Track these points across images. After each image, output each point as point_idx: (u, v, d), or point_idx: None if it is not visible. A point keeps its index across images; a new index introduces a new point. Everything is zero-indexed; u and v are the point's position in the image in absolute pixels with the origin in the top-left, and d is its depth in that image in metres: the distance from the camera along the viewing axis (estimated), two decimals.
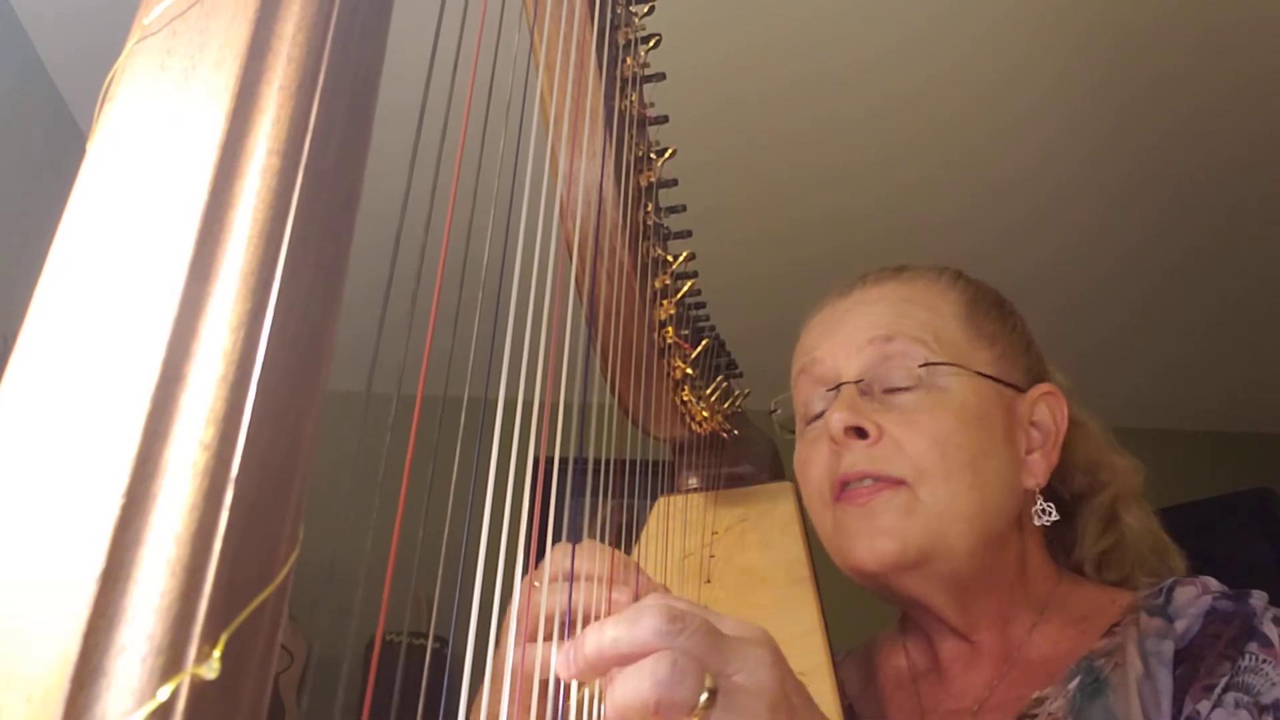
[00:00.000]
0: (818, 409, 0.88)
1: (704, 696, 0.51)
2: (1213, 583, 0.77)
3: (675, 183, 0.87)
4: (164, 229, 0.31)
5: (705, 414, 1.04)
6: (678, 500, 1.09)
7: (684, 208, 0.89)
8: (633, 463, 0.85)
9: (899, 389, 0.83)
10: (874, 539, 0.79)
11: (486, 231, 0.49)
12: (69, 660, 0.25)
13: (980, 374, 0.84)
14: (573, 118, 0.73)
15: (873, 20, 2.22)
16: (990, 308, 0.89)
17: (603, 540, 0.69)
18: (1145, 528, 0.89)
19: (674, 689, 0.50)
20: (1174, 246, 2.89)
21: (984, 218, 2.77)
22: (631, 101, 0.80)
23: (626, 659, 0.52)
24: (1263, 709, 0.66)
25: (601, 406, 0.74)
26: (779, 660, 0.55)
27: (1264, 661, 0.69)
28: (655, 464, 1.05)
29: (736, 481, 1.12)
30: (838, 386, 0.85)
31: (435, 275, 0.44)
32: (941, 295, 0.89)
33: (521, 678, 0.61)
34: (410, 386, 0.43)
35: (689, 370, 0.96)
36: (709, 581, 0.96)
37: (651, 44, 0.80)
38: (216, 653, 0.27)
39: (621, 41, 0.79)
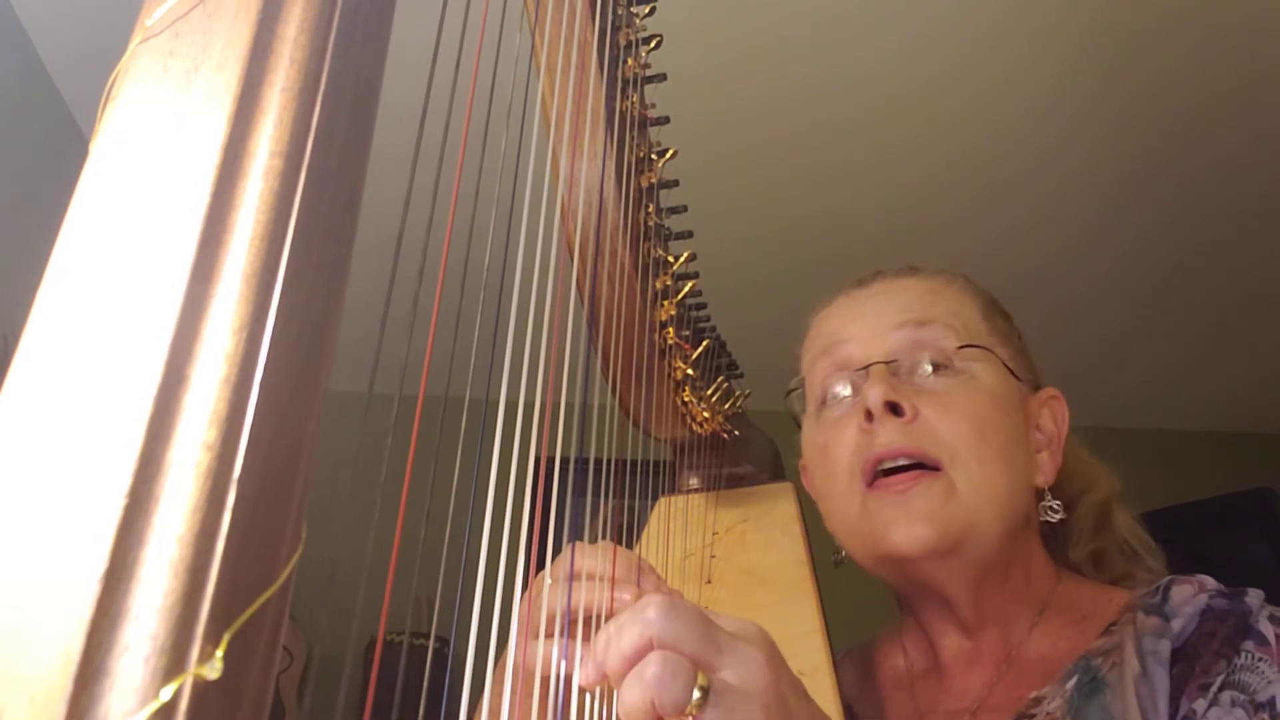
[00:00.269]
0: (840, 391, 0.87)
1: (696, 695, 0.51)
2: (1209, 581, 0.77)
3: (676, 183, 0.87)
4: (166, 230, 0.31)
5: (706, 414, 1.04)
6: (678, 500, 1.09)
7: (685, 208, 0.89)
8: (633, 463, 0.85)
9: (930, 372, 0.84)
10: (912, 524, 0.78)
11: (488, 233, 0.49)
12: (72, 660, 0.25)
13: (1005, 366, 0.85)
14: (574, 119, 0.73)
15: (873, 21, 2.22)
16: (1000, 311, 0.91)
17: (604, 541, 0.69)
18: (1131, 529, 0.91)
19: (665, 688, 0.50)
20: (1174, 247, 2.89)
21: (984, 218, 2.77)
22: (633, 102, 0.80)
23: (628, 661, 0.52)
24: (1258, 706, 0.66)
25: (602, 407, 0.74)
26: (775, 659, 0.55)
27: (1260, 659, 0.69)
28: (656, 464, 1.05)
29: (737, 482, 1.12)
30: (866, 368, 0.85)
31: (437, 276, 0.44)
32: (961, 293, 0.90)
33: (524, 674, 0.61)
34: (412, 387, 0.43)
35: (690, 371, 0.96)
36: (709, 582, 0.96)
37: (653, 45, 0.81)
38: (219, 653, 0.27)
39: (623, 42, 0.79)
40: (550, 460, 0.56)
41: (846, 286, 0.94)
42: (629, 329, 0.86)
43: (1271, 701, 0.66)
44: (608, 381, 0.85)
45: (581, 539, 0.69)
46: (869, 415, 0.81)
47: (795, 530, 1.01)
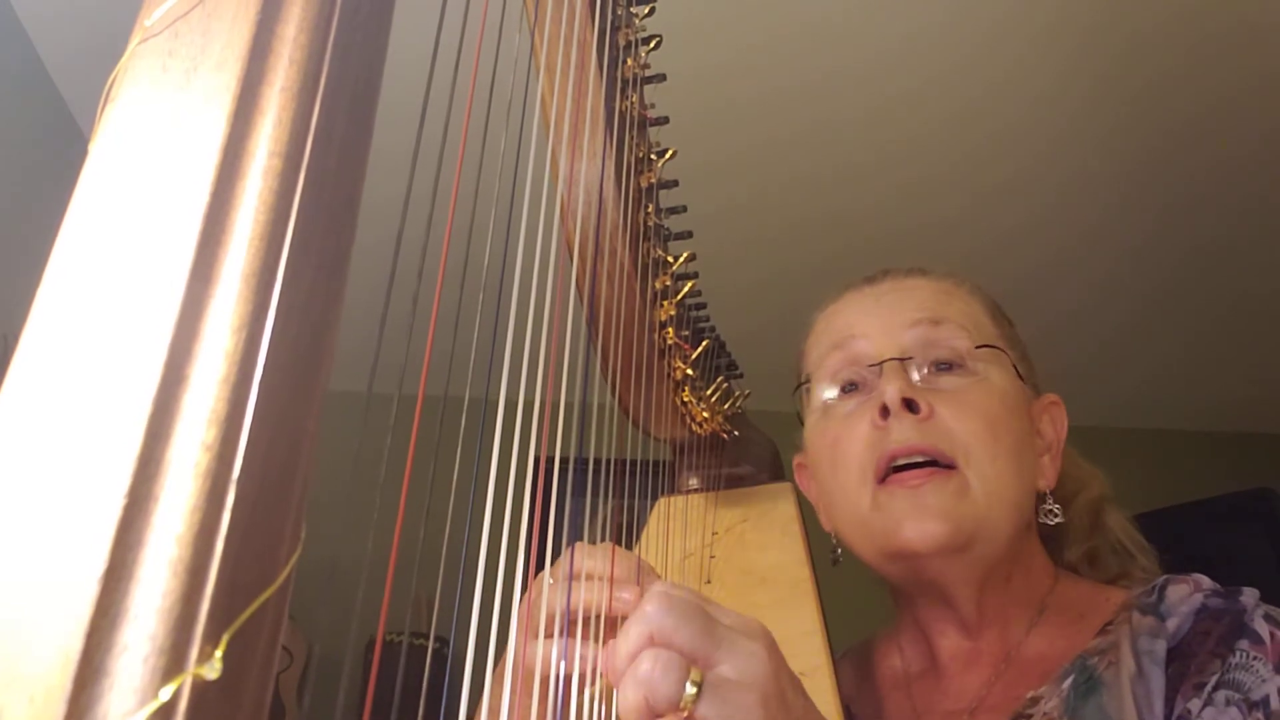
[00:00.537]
0: (852, 387, 0.87)
1: (691, 690, 0.51)
2: (1205, 580, 0.77)
3: (676, 184, 0.87)
4: (166, 230, 0.31)
5: (705, 415, 1.04)
6: (678, 501, 1.09)
7: (685, 209, 0.89)
8: (633, 463, 0.85)
9: (944, 371, 0.84)
10: (924, 520, 0.78)
11: (487, 232, 0.49)
12: (71, 660, 0.25)
13: (1014, 367, 0.86)
14: (573, 119, 0.73)
15: (872, 22, 2.22)
16: (1005, 316, 0.92)
17: (603, 541, 0.69)
18: (1124, 528, 0.91)
19: (656, 684, 0.51)
20: (1174, 247, 2.89)
21: (984, 219, 2.77)
22: (632, 103, 0.80)
23: (630, 660, 0.53)
24: (1252, 705, 0.66)
25: (602, 407, 0.74)
26: (773, 654, 0.55)
27: (1254, 658, 0.69)
28: (656, 464, 1.05)
29: (737, 482, 1.12)
30: (879, 364, 0.85)
31: (436, 276, 0.44)
32: (970, 296, 0.90)
33: (523, 674, 0.61)
34: (411, 387, 0.43)
35: (689, 371, 0.96)
36: (709, 582, 0.96)
37: (652, 45, 0.81)
38: (218, 653, 0.27)
39: (622, 43, 0.79)
40: (550, 460, 0.56)
41: (855, 284, 0.94)
42: (628, 329, 0.86)
43: (1265, 700, 0.66)
44: (607, 381, 0.85)
45: (581, 539, 0.69)
46: (884, 411, 0.81)
47: (795, 530, 1.01)
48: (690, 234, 0.90)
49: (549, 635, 0.63)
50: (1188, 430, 3.66)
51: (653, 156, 0.84)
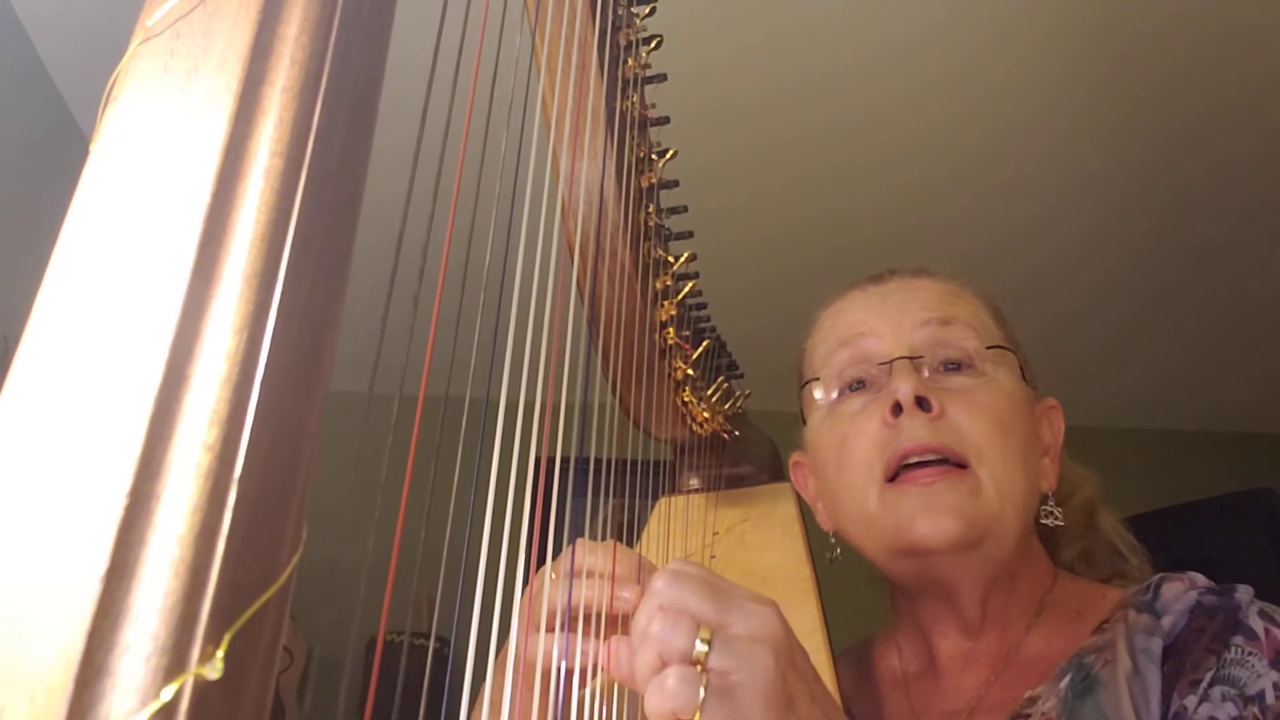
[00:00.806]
0: (860, 385, 0.87)
1: (701, 646, 0.53)
2: (1200, 578, 0.77)
3: (676, 184, 0.87)
4: (167, 230, 0.31)
5: (706, 415, 1.04)
6: (679, 501, 1.09)
7: (685, 209, 0.89)
8: (634, 463, 0.85)
9: (953, 372, 0.84)
10: (937, 516, 0.77)
11: (488, 232, 0.49)
12: (72, 660, 0.25)
13: (1020, 369, 0.87)
14: (574, 119, 0.73)
15: (872, 22, 2.22)
16: (1006, 319, 0.91)
17: (604, 541, 0.69)
18: (1115, 528, 0.92)
19: (667, 639, 0.54)
20: (1174, 247, 2.89)
21: (984, 219, 2.77)
22: (633, 103, 0.80)
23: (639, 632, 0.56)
24: (1248, 700, 0.66)
25: (603, 407, 0.74)
26: (782, 620, 0.58)
27: (1249, 654, 0.69)
28: (656, 465, 1.05)
29: (737, 482, 1.12)
30: (889, 362, 0.84)
31: (437, 276, 0.44)
32: (975, 297, 0.91)
33: (524, 668, 0.62)
34: (412, 387, 0.43)
35: (690, 371, 0.96)
36: None
37: (653, 45, 0.81)
38: (220, 653, 0.27)
39: (623, 43, 0.79)
40: (550, 460, 0.56)
41: (860, 283, 0.94)
42: (629, 329, 0.86)
43: (1261, 695, 0.66)
44: (608, 381, 0.85)
45: (582, 539, 0.69)
46: (895, 409, 0.81)
47: (795, 530, 1.01)
48: (691, 234, 0.90)
49: (550, 630, 0.64)
50: (1188, 430, 3.66)
51: (653, 156, 0.84)
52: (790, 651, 0.56)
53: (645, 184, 0.84)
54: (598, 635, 0.64)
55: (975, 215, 2.77)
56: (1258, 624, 0.71)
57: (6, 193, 2.11)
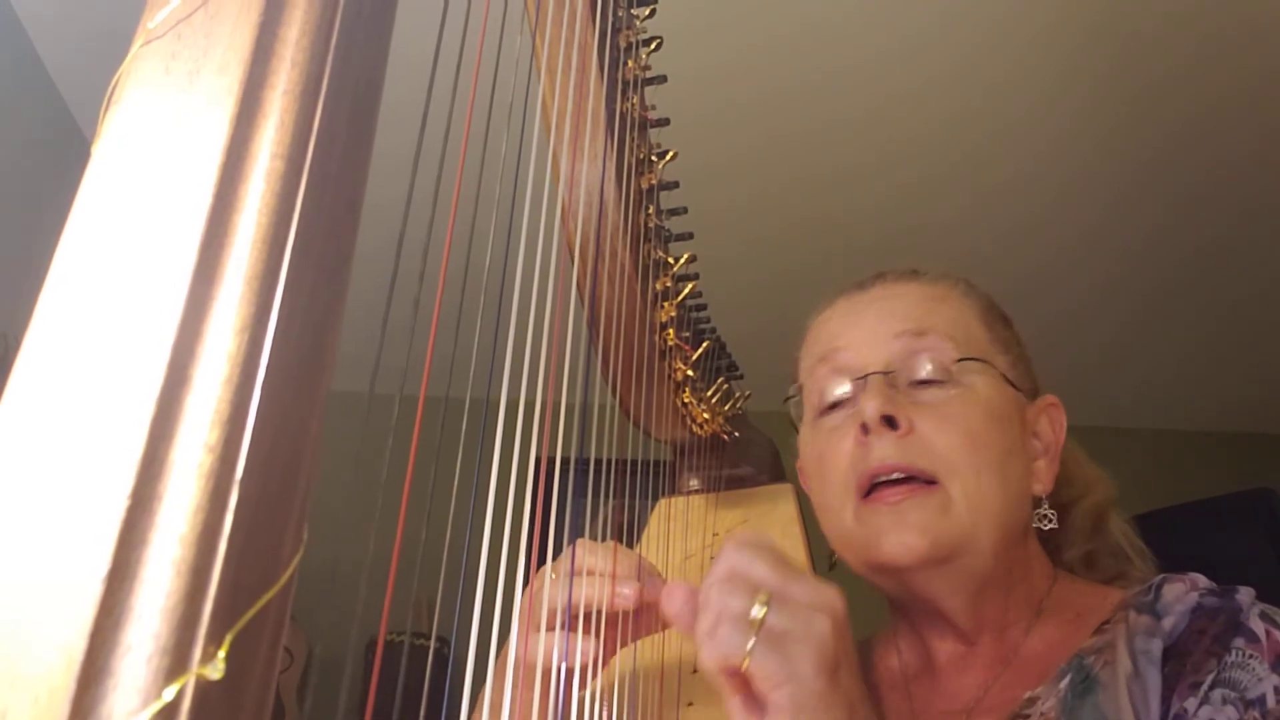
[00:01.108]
0: (838, 399, 0.87)
1: (759, 610, 0.56)
2: (1201, 579, 0.77)
3: (676, 185, 0.87)
4: (168, 232, 0.31)
5: (706, 416, 1.05)
6: (679, 502, 1.09)
7: (685, 210, 0.89)
8: (634, 464, 0.85)
9: (927, 383, 0.83)
10: (905, 534, 0.78)
11: (488, 234, 0.49)
12: (74, 660, 0.26)
13: (1003, 376, 0.85)
14: (574, 120, 0.73)
15: (873, 23, 2.22)
16: (1000, 318, 0.91)
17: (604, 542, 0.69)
18: (1125, 534, 0.91)
19: (726, 600, 0.57)
20: (1175, 247, 2.89)
21: (985, 219, 2.78)
22: (633, 104, 0.80)
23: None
24: (1249, 704, 0.66)
25: (603, 408, 0.74)
26: (844, 603, 0.60)
27: (1250, 657, 0.69)
28: (656, 465, 1.05)
29: (737, 483, 1.12)
30: (864, 377, 0.84)
31: (438, 277, 0.44)
32: (962, 299, 0.90)
33: (524, 667, 0.62)
34: (413, 388, 0.43)
35: (690, 372, 0.96)
36: None
37: (653, 47, 0.81)
38: (221, 653, 0.27)
39: (623, 44, 0.79)
40: (551, 461, 0.56)
41: (847, 289, 0.94)
42: (629, 330, 0.86)
43: (1262, 699, 0.66)
44: (608, 383, 0.85)
45: (582, 539, 0.69)
46: (865, 428, 0.81)
47: (795, 531, 1.01)
48: (691, 235, 0.90)
49: (550, 629, 0.64)
50: (1188, 430, 3.66)
51: (653, 158, 0.84)
52: (844, 628, 0.59)
53: (645, 185, 0.84)
54: (598, 635, 0.64)
55: (975, 216, 2.77)
56: (1259, 626, 0.70)
57: (7, 193, 2.11)
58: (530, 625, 0.64)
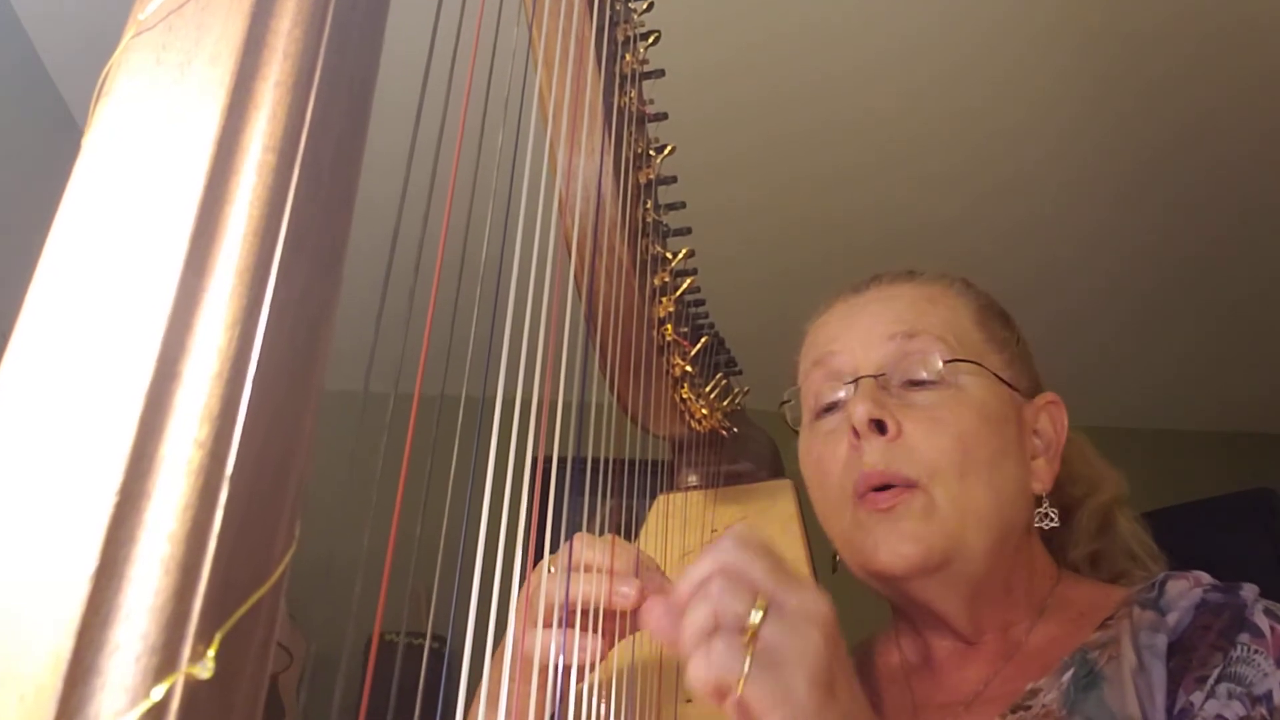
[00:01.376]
0: (833, 402, 0.87)
1: (757, 614, 0.55)
2: (1204, 576, 0.77)
3: (674, 179, 0.86)
4: (159, 225, 0.31)
5: (704, 411, 1.04)
6: (677, 498, 1.08)
7: (684, 205, 0.89)
8: (632, 461, 0.85)
9: (919, 386, 0.83)
10: (897, 544, 0.78)
11: (485, 228, 0.49)
12: (62, 659, 0.25)
13: (997, 376, 0.85)
14: (571, 114, 0.73)
15: (873, 23, 2.22)
16: (998, 316, 0.90)
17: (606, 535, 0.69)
18: (1134, 533, 0.91)
19: (725, 602, 0.55)
20: (1177, 248, 2.89)
21: (986, 220, 2.77)
22: (630, 98, 0.80)
23: (697, 586, 0.58)
24: (1255, 700, 0.66)
25: (600, 404, 0.74)
26: (832, 608, 0.59)
27: (1255, 652, 0.69)
28: (654, 462, 1.05)
29: (736, 479, 1.11)
30: (856, 380, 0.85)
31: (433, 272, 0.43)
32: (957, 299, 0.90)
33: (522, 661, 0.62)
34: (408, 384, 0.42)
35: (688, 368, 0.96)
36: None
37: (651, 40, 0.80)
38: (211, 652, 0.27)
39: (620, 38, 0.78)
40: (548, 458, 0.56)
41: (844, 292, 0.94)
42: (627, 325, 0.85)
43: (1269, 695, 0.66)
44: (605, 378, 0.85)
45: (581, 533, 0.69)
46: (855, 431, 0.81)
47: (794, 528, 1.01)
48: (689, 230, 0.90)
49: (548, 624, 0.64)
50: (1188, 430, 3.66)
51: (651, 152, 0.84)
52: (836, 637, 0.58)
53: (643, 179, 0.84)
54: (595, 630, 0.64)
55: (976, 216, 2.76)
56: (1263, 622, 0.71)
57: (5, 191, 2.10)
58: (528, 620, 0.64)
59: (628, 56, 0.79)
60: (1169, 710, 0.68)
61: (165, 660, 0.26)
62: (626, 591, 0.65)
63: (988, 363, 0.85)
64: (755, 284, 2.66)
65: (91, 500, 0.27)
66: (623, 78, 0.79)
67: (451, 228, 0.45)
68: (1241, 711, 0.66)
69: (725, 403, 1.09)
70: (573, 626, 0.64)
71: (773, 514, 1.04)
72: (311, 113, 0.33)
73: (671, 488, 1.10)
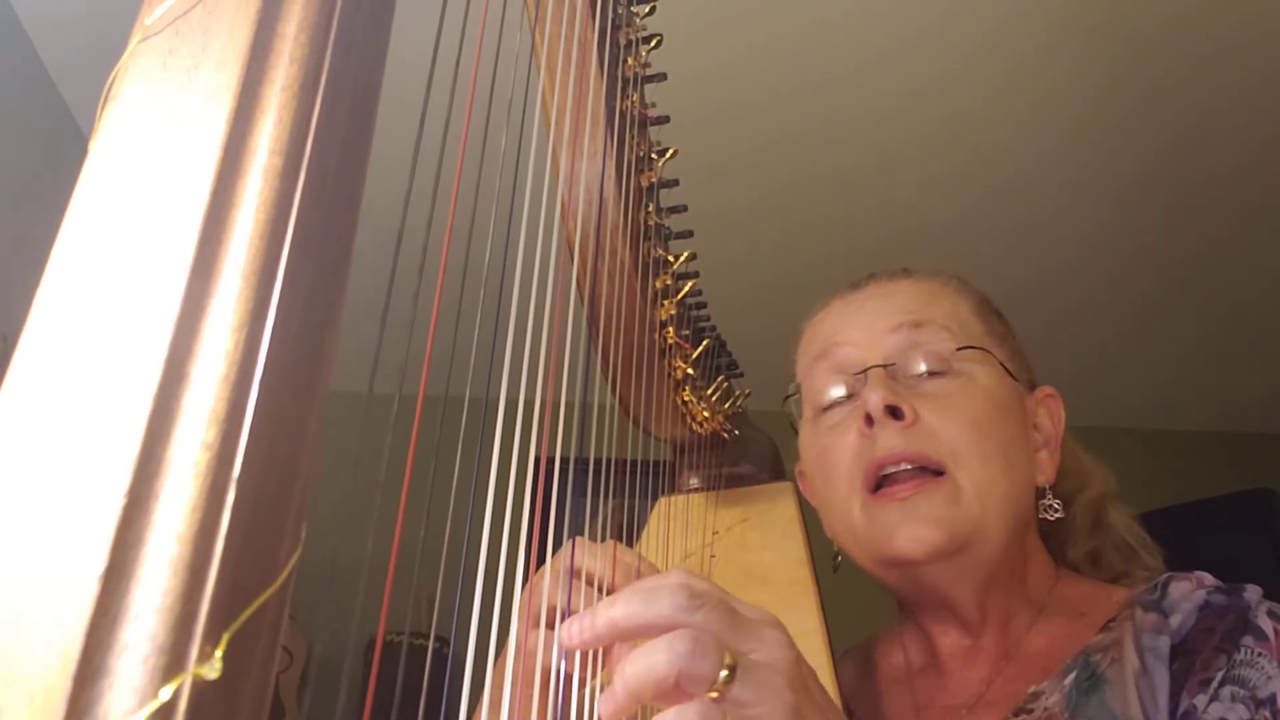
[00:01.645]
0: (838, 395, 0.87)
1: (724, 673, 0.51)
2: (1207, 577, 0.77)
3: (676, 183, 0.87)
4: (166, 229, 0.31)
5: (706, 414, 1.04)
6: (678, 500, 1.08)
7: (685, 208, 0.89)
8: (633, 463, 0.85)
9: (928, 374, 0.83)
10: (915, 528, 0.78)
11: (488, 231, 0.49)
12: (71, 660, 0.25)
13: (1003, 366, 0.85)
14: (574, 117, 0.73)
15: (874, 23, 2.22)
16: (994, 311, 0.91)
17: (603, 541, 0.69)
18: (1128, 526, 0.91)
19: (695, 664, 0.51)
20: (1177, 248, 2.89)
21: (986, 220, 2.77)
22: (633, 101, 0.80)
23: (642, 633, 0.53)
24: (1259, 703, 0.66)
25: (602, 406, 0.74)
26: (792, 642, 0.56)
27: (1259, 655, 0.69)
28: (656, 464, 1.05)
29: (737, 481, 1.12)
30: (864, 371, 0.84)
31: (437, 275, 0.44)
32: (955, 294, 0.90)
33: (524, 663, 0.61)
34: (412, 386, 0.43)
35: (690, 370, 0.96)
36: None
37: (653, 44, 0.81)
38: (218, 653, 0.27)
39: (623, 41, 0.79)
40: (550, 460, 0.56)
41: (841, 290, 0.94)
42: (629, 328, 0.86)
43: (1273, 698, 0.66)
44: (607, 381, 0.85)
45: (580, 538, 0.69)
46: (869, 420, 0.81)
47: (795, 530, 1.01)
48: (691, 233, 0.90)
49: (549, 627, 0.64)
50: (1188, 430, 3.66)
51: (653, 155, 0.84)
52: (802, 678, 0.55)
53: (645, 183, 0.84)
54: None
55: (976, 216, 2.77)
56: (1267, 624, 0.71)
57: (6, 192, 2.10)
58: (529, 621, 0.64)
59: (630, 60, 0.79)
60: (1172, 713, 0.68)
61: (173, 661, 0.26)
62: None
63: (994, 353, 0.86)
64: (756, 285, 2.66)
65: (100, 502, 0.27)
66: (625, 81, 0.79)
67: (455, 231, 0.46)
68: (1245, 715, 0.66)
69: (727, 405, 1.09)
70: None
71: (774, 516, 1.04)
72: (317, 117, 0.34)
73: (673, 490, 1.11)
